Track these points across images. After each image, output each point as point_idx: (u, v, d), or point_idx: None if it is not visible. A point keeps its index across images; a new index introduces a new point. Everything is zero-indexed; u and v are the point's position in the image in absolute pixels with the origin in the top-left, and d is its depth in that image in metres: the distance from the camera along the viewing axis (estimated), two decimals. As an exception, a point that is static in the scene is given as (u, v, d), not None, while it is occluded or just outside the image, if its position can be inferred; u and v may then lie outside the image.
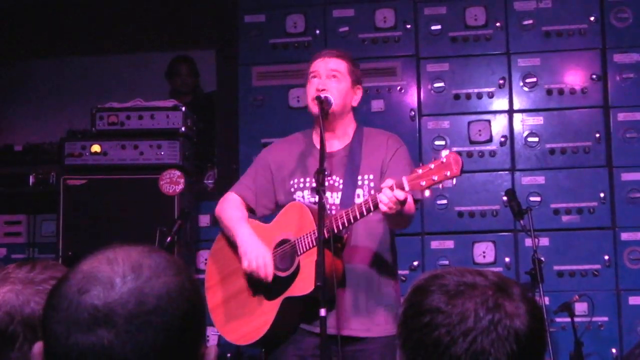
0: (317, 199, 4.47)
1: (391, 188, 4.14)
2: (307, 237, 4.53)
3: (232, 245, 4.91)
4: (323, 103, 4.63)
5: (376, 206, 4.23)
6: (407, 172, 4.30)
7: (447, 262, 6.83)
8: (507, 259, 6.79)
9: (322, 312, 4.11)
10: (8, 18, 8.37)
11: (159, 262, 1.69)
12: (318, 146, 4.71)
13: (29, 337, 1.94)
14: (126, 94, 7.35)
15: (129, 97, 7.08)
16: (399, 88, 7.10)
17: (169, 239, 5.96)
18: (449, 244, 6.91)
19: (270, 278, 4.64)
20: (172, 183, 6.69)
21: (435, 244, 6.92)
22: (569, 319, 6.15)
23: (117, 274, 1.63)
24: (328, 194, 4.68)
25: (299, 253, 4.59)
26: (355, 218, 4.38)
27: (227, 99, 7.59)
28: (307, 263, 4.47)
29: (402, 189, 4.16)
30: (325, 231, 4.32)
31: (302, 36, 7.29)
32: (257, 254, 4.68)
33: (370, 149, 4.81)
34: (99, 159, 6.81)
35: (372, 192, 4.52)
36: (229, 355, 6.91)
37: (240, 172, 7.11)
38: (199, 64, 8.70)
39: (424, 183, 4.15)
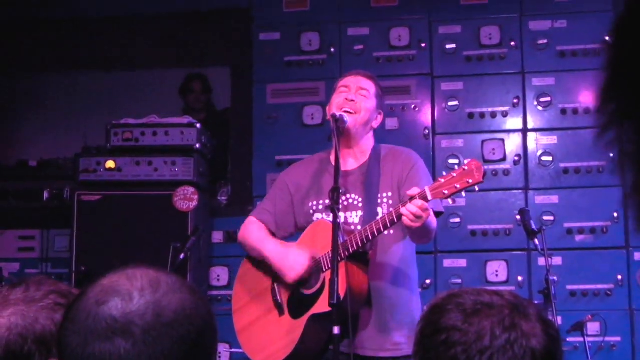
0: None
1: (413, 198, 4.16)
2: (329, 255, 4.52)
3: (259, 266, 4.92)
4: (338, 121, 4.63)
5: (399, 217, 4.24)
6: (426, 184, 4.32)
7: (459, 281, 6.82)
8: (519, 278, 6.77)
9: (336, 330, 4.10)
10: (24, 33, 8.41)
11: (175, 280, 1.73)
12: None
13: (43, 353, 1.96)
14: (141, 110, 7.37)
15: (144, 114, 7.10)
16: (413, 106, 7.11)
17: (182, 255, 5.97)
18: (462, 262, 6.90)
19: (304, 271, 4.64)
20: (186, 199, 6.70)
21: (448, 263, 6.91)
22: (581, 339, 6.11)
23: (136, 287, 1.66)
24: (348, 213, 4.71)
25: (324, 269, 4.58)
26: (379, 231, 4.39)
27: (241, 116, 7.61)
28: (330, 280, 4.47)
29: (425, 198, 4.17)
30: (349, 247, 4.39)
31: (317, 54, 7.31)
32: (293, 260, 4.68)
33: (387, 166, 4.82)
34: (114, 174, 6.83)
35: (391, 210, 4.52)
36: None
37: (253, 189, 7.14)
38: (214, 82, 8.72)
39: (446, 192, 4.16)
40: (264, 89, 7.38)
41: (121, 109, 8.08)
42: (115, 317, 1.61)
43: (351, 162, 4.87)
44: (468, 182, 4.13)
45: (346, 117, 4.68)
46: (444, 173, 4.35)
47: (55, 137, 9.20)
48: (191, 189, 6.71)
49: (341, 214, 4.67)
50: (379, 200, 4.72)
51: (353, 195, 4.75)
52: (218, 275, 7.12)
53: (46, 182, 7.53)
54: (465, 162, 4.19)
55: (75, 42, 8.50)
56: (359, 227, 4.60)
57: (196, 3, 8.10)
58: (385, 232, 4.53)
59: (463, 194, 4.23)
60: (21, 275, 7.35)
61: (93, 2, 8.27)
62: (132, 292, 1.65)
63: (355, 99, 4.80)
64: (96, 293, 1.67)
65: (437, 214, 4.59)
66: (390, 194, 4.73)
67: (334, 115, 4.65)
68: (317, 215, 4.80)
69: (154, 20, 8.39)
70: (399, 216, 4.25)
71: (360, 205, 4.73)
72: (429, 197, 4.18)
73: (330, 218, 4.61)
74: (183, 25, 8.38)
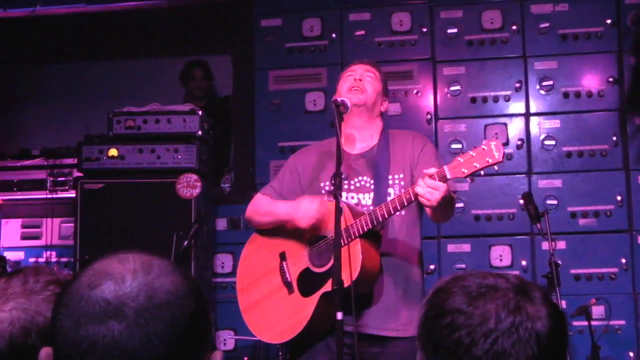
0: (350, 200, 4.61)
1: (432, 176, 4.16)
2: (345, 232, 4.52)
3: (268, 243, 4.93)
4: (339, 106, 4.63)
5: (416, 196, 4.25)
6: (437, 165, 4.32)
7: (463, 266, 6.83)
8: (523, 262, 6.78)
9: (339, 315, 4.09)
10: (27, 23, 8.40)
11: (168, 264, 1.73)
12: (347, 149, 4.80)
13: (47, 345, 1.96)
14: (143, 98, 7.37)
15: (146, 102, 7.10)
16: (415, 91, 7.11)
17: (185, 242, 5.98)
18: (466, 247, 6.91)
19: (319, 213, 4.62)
20: (189, 187, 6.70)
21: (451, 248, 6.92)
22: (586, 323, 6.13)
23: (128, 270, 1.67)
24: (360, 195, 4.73)
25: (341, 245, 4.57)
26: (395, 209, 4.39)
27: (243, 103, 7.61)
28: (344, 258, 4.47)
29: (444, 177, 4.17)
30: (365, 225, 4.41)
31: (319, 40, 7.30)
32: (307, 206, 4.66)
33: (397, 149, 4.83)
34: (116, 163, 6.84)
35: (403, 191, 4.52)
36: (245, 358, 6.92)
37: (256, 176, 7.14)
38: (215, 69, 8.73)
39: (465, 170, 4.16)
40: (265, 75, 7.37)
41: (123, 97, 8.08)
42: (108, 299, 1.62)
43: (361, 145, 4.88)
44: (487, 162, 4.13)
45: (348, 101, 4.68)
46: (462, 152, 4.34)
47: (58, 126, 9.20)
48: (194, 177, 6.72)
49: (354, 195, 4.73)
50: (390, 182, 4.73)
51: (364, 178, 4.77)
52: (222, 263, 7.13)
53: (49, 170, 7.54)
54: (484, 141, 4.19)
55: (77, 32, 8.51)
56: (370, 209, 4.60)
57: (197, -9, 8.10)
58: (397, 214, 4.53)
59: (482, 172, 4.21)
60: (25, 265, 7.36)
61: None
62: (124, 275, 1.66)
63: (362, 78, 4.85)
64: (88, 276, 1.67)
65: (453, 193, 4.58)
66: (401, 175, 4.74)
67: (335, 101, 4.65)
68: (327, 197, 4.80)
69: (155, 9, 8.39)
70: (415, 195, 4.26)
71: (373, 187, 4.74)
72: (448, 176, 4.18)
73: (342, 198, 4.65)
74: (184, 13, 8.37)
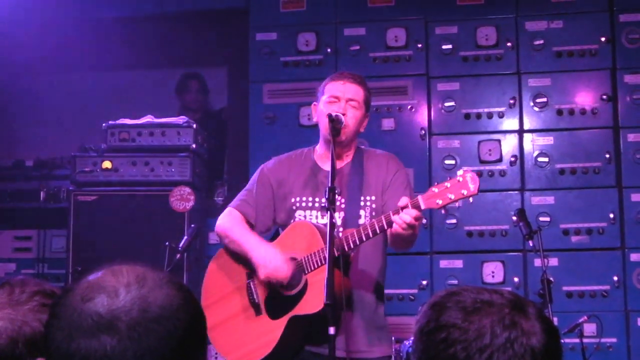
0: (322, 218, 4.59)
1: (406, 207, 4.15)
2: (315, 256, 4.51)
3: (234, 261, 4.89)
4: (334, 122, 4.62)
5: (390, 224, 4.24)
6: (406, 193, 4.32)
7: (455, 282, 6.82)
8: (516, 279, 6.78)
9: (331, 330, 4.08)
10: (23, 32, 8.40)
11: (162, 276, 1.73)
12: (321, 165, 4.82)
13: (35, 355, 1.96)
14: (138, 110, 7.37)
15: (141, 114, 7.11)
16: (409, 107, 7.11)
17: (178, 255, 5.97)
18: (458, 263, 6.90)
19: (287, 279, 4.60)
20: (183, 200, 6.70)
21: (444, 264, 6.92)
22: (577, 340, 6.12)
23: (122, 283, 1.67)
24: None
25: (306, 271, 4.56)
26: (367, 236, 4.38)
27: (238, 117, 7.61)
28: (315, 282, 4.46)
29: (419, 207, 4.16)
30: (335, 250, 4.32)
31: (314, 54, 7.31)
32: (272, 259, 4.64)
33: (370, 170, 4.81)
34: (110, 175, 6.84)
35: (374, 213, 4.53)
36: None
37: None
38: (211, 82, 8.73)
39: (440, 202, 4.16)
40: (260, 89, 7.38)
41: (118, 109, 8.07)
42: (101, 313, 1.61)
43: (335, 162, 4.85)
44: (462, 194, 4.13)
45: (342, 117, 4.67)
46: (436, 183, 4.33)
47: (52, 137, 9.19)
48: (187, 189, 6.71)
49: (321, 214, 4.70)
50: (362, 203, 4.71)
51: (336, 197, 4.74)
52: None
53: (43, 182, 7.53)
54: (459, 173, 4.18)
55: (72, 43, 8.49)
56: (340, 229, 4.58)
57: (193, 3, 8.09)
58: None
59: (457, 204, 4.21)
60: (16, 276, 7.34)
61: (90, 3, 8.25)
62: (118, 288, 1.66)
63: (345, 112, 4.74)
64: (82, 289, 1.67)
65: None
66: (373, 197, 4.72)
67: (330, 116, 4.62)
68: (299, 212, 4.77)
69: (150, 20, 8.39)
70: (389, 223, 4.25)
71: (343, 206, 4.72)
72: (422, 207, 4.18)
73: (313, 219, 4.69)
74: (180, 25, 8.38)
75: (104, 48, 8.54)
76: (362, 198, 4.72)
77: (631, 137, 6.87)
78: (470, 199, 4.19)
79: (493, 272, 6.84)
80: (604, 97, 6.90)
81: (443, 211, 4.29)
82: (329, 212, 4.29)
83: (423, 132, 7.07)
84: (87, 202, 6.80)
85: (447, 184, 4.16)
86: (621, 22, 7.00)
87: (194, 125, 6.93)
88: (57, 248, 7.48)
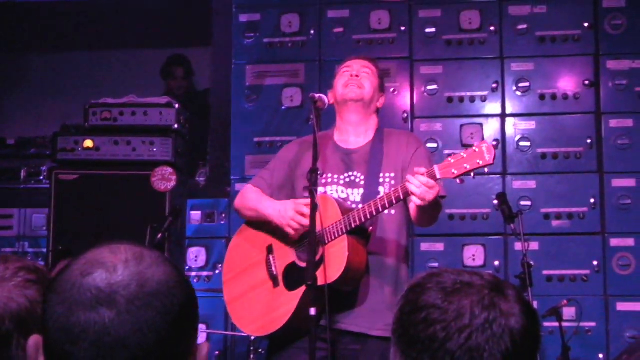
0: (342, 193, 4.69)
1: (422, 175, 4.16)
2: (333, 228, 4.51)
3: (254, 237, 4.93)
4: (316, 102, 4.64)
5: (406, 194, 4.24)
6: (428, 167, 4.32)
7: (436, 265, 6.85)
8: (496, 263, 6.81)
9: (312, 311, 4.11)
10: (5, 14, 8.37)
11: (159, 255, 1.75)
12: (340, 143, 4.88)
13: (23, 331, 1.96)
14: (120, 90, 7.35)
15: (123, 93, 7.08)
16: (392, 90, 7.11)
17: (159, 235, 5.97)
18: (439, 246, 6.93)
19: (304, 222, 4.59)
20: (164, 180, 6.68)
21: (425, 246, 6.94)
22: (556, 324, 6.15)
23: (120, 259, 1.69)
24: (350, 190, 4.75)
25: (325, 242, 4.55)
26: (383, 207, 4.39)
27: (220, 97, 7.60)
28: (332, 253, 4.48)
29: (434, 177, 4.17)
30: (352, 221, 4.42)
31: (297, 36, 7.30)
32: (283, 209, 4.69)
33: (391, 147, 4.84)
34: (92, 154, 6.80)
35: (393, 189, 4.54)
36: (217, 353, 6.93)
37: (232, 170, 7.14)
38: (193, 62, 8.71)
39: (455, 171, 4.16)
40: (243, 70, 7.37)
41: (101, 88, 8.05)
42: (100, 287, 1.63)
43: (356, 140, 4.90)
44: (478, 163, 4.13)
45: (325, 98, 4.70)
46: (453, 153, 4.33)
47: (34, 116, 9.18)
48: (169, 169, 6.69)
49: (343, 190, 4.75)
50: (381, 180, 4.73)
51: (356, 173, 4.78)
52: (196, 256, 7.12)
53: (24, 160, 7.52)
54: (476, 142, 4.21)
55: (56, 23, 8.47)
56: (359, 205, 4.60)
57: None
58: (386, 212, 4.55)
59: (472, 175, 4.22)
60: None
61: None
62: (116, 264, 1.67)
63: (359, 74, 4.86)
64: (80, 265, 1.69)
65: (441, 198, 4.57)
66: (392, 174, 4.74)
67: (312, 97, 4.65)
68: (320, 189, 4.78)
69: (134, 0, 8.37)
70: (405, 193, 4.26)
71: (362, 183, 4.75)
72: (438, 176, 4.18)
73: (334, 193, 4.72)
74: (164, 5, 8.36)
75: (87, 27, 8.52)
76: (381, 175, 4.75)
77: (613, 122, 6.90)
78: (486, 169, 4.20)
79: (474, 255, 6.87)
80: (587, 82, 6.93)
81: (459, 181, 4.27)
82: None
83: (405, 115, 7.08)
84: (68, 181, 6.77)
85: (464, 154, 4.16)
86: (604, 7, 7.02)
87: (176, 105, 6.90)
88: (37, 226, 7.47)
